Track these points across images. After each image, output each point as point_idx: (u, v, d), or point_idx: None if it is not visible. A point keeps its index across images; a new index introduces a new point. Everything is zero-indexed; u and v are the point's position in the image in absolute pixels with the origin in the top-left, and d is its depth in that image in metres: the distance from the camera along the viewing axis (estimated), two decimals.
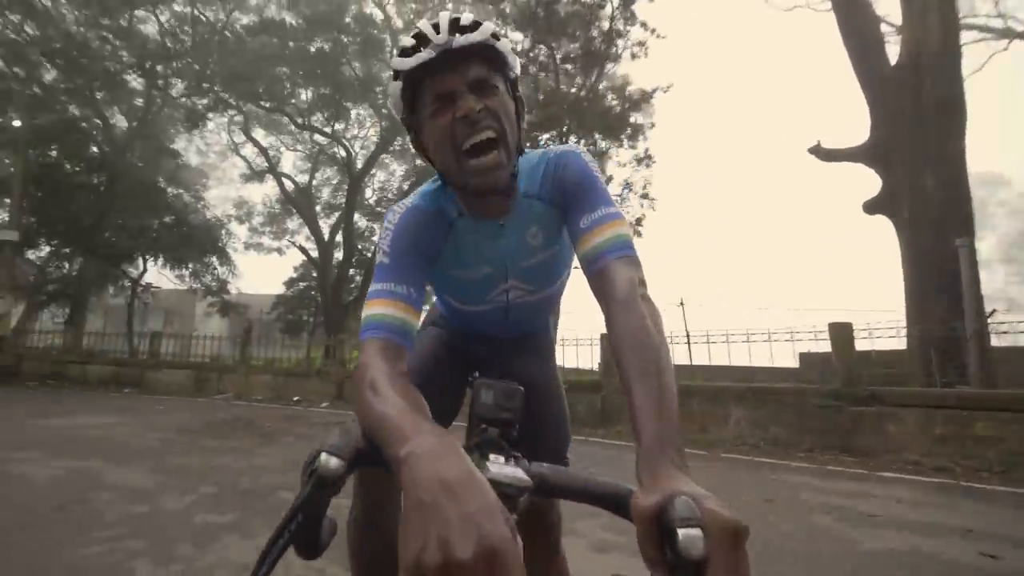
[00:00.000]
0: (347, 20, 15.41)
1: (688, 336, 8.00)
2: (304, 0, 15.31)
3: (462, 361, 1.17)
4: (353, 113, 18.31)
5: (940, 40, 8.27)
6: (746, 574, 0.46)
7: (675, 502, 0.48)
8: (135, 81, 17.22)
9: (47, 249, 14.33)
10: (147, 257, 14.88)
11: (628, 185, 12.53)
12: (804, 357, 9.13)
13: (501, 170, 0.80)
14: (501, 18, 12.09)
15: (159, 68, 15.75)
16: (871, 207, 8.88)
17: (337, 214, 20.43)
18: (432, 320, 1.28)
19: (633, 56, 11.98)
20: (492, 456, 0.63)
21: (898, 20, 9.34)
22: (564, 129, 11.59)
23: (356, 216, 19.23)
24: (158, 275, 16.24)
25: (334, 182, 21.65)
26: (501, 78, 0.83)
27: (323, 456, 0.54)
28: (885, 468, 4.92)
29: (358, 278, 19.17)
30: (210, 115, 16.43)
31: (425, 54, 0.77)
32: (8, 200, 12.93)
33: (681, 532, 0.46)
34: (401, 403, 0.63)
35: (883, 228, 9.04)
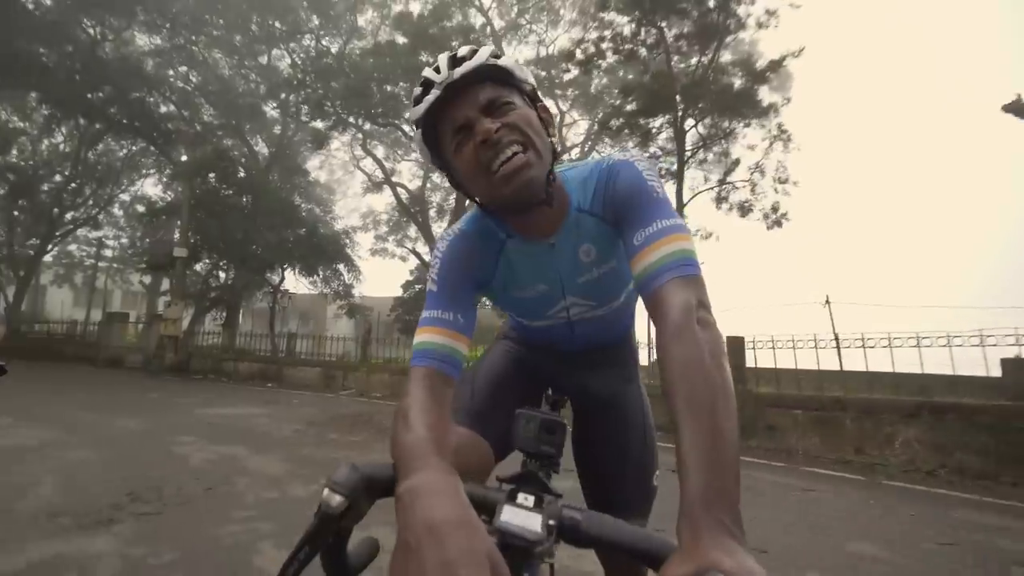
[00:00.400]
0: (447, 26, 16.20)
1: (837, 340, 6.79)
2: (410, 19, 16.42)
3: (535, 376, 1.15)
4: None
5: None
6: None
7: None
8: (272, 111, 19.77)
9: (207, 262, 16.86)
10: (284, 266, 16.83)
11: (759, 168, 11.43)
12: (1010, 364, 7.49)
13: (530, 170, 0.77)
14: (602, 5, 11.65)
15: (291, 97, 17.85)
16: None
17: (448, 218, 21.62)
18: (504, 334, 1.27)
19: (760, 25, 10.81)
20: (521, 496, 0.60)
21: None
22: (679, 113, 10.87)
23: None
24: (295, 282, 18.30)
25: (445, 186, 22.85)
26: (515, 92, 0.81)
27: (325, 492, 0.56)
28: None
29: None
30: (333, 134, 18.24)
31: (432, 95, 0.77)
32: (179, 222, 15.51)
33: None
34: (422, 435, 0.64)
35: None
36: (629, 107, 11.53)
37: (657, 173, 0.85)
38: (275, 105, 19.10)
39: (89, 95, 16.20)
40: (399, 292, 24.85)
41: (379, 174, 22.02)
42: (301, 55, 19.32)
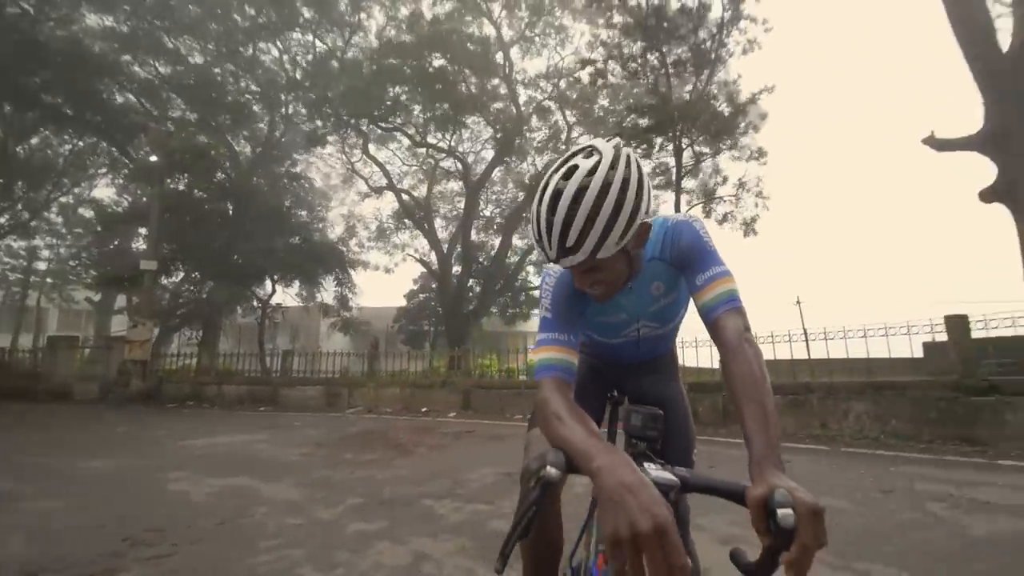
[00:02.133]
0: (463, 32, 17.11)
1: (806, 334, 9.00)
2: (422, 21, 16.82)
3: (602, 382, 1.68)
4: (470, 122, 19.82)
5: None
6: (823, 540, 0.76)
7: (775, 492, 0.79)
8: (258, 109, 19.52)
9: (180, 275, 16.69)
10: (274, 278, 16.76)
11: (742, 184, 14.49)
12: (929, 347, 10.83)
13: (613, 294, 1.23)
14: (609, 27, 14.19)
15: (282, 96, 17.85)
16: (988, 195, 9.78)
17: (453, 227, 22.39)
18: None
19: (744, 51, 13.71)
20: (647, 464, 0.96)
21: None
22: (676, 132, 13.29)
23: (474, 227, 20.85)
24: (283, 294, 18.25)
25: (452, 194, 23.79)
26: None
27: (548, 468, 0.87)
28: (1003, 456, 5.54)
29: (476, 288, 20.61)
30: (330, 137, 18.30)
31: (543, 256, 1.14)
32: (142, 230, 14.91)
33: (780, 512, 0.76)
34: (582, 430, 0.98)
35: (1002, 217, 10.21)
36: (639, 123, 14.15)
37: (707, 230, 1.28)
38: (261, 103, 19.16)
39: (19, 79, 15.14)
40: (400, 302, 26.28)
41: (378, 179, 22.55)
42: (296, 52, 19.54)
